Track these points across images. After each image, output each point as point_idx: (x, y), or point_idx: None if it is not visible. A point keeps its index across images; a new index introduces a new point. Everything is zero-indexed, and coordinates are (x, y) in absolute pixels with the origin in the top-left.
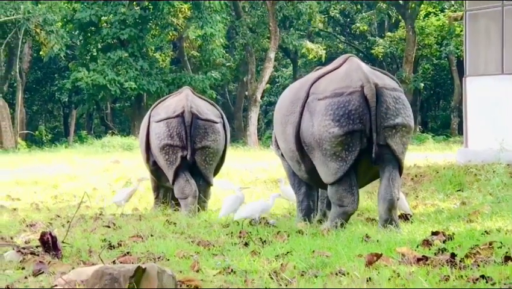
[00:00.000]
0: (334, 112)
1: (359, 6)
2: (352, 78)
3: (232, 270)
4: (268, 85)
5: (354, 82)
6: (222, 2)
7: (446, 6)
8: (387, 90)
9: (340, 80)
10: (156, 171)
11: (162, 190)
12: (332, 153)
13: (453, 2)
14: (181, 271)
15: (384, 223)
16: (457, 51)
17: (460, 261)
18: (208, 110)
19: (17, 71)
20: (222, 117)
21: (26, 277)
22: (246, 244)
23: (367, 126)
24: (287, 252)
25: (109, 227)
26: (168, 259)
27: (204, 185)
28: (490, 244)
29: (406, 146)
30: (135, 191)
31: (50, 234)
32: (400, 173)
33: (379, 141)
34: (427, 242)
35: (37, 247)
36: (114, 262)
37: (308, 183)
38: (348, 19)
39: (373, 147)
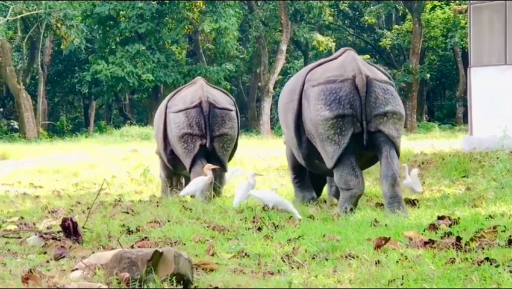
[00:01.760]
0: (326, 97)
1: (367, 0)
2: (345, 68)
3: (246, 254)
4: (280, 76)
5: (347, 72)
6: None
7: None
8: (377, 82)
9: (334, 70)
10: (173, 159)
11: (175, 178)
12: (326, 136)
13: None
14: (196, 255)
15: (390, 201)
16: (462, 43)
17: (465, 244)
18: (223, 99)
19: (39, 64)
20: (235, 105)
21: (48, 261)
22: (259, 229)
23: (357, 112)
24: (299, 236)
25: (127, 213)
26: (184, 244)
27: (220, 171)
28: (494, 227)
29: (400, 131)
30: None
31: (71, 220)
32: (397, 155)
33: (370, 128)
34: (433, 227)
35: (58, 232)
36: (132, 246)
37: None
38: (357, 12)
39: (364, 134)
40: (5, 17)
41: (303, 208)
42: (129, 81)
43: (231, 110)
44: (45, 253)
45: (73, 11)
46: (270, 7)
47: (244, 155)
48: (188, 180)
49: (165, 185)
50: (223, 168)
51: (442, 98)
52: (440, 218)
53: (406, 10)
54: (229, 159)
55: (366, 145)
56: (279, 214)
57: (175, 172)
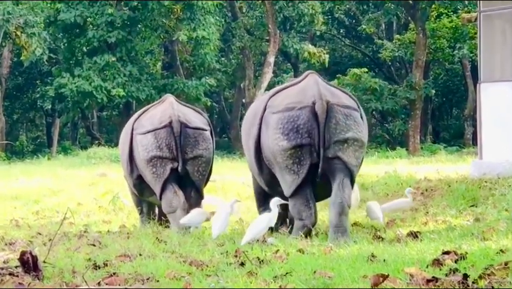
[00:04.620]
0: (284, 126)
1: (365, 7)
2: (305, 94)
3: None
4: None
5: (307, 98)
6: (216, 2)
7: (459, 6)
8: (339, 107)
9: (294, 96)
10: (139, 184)
11: (146, 204)
12: (284, 166)
13: (466, 2)
14: None
15: (334, 229)
16: (471, 55)
17: (473, 282)
18: (196, 118)
19: None
20: (209, 124)
21: None
22: (242, 264)
23: (315, 141)
24: (286, 273)
25: (94, 245)
26: (158, 281)
27: (196, 197)
28: (506, 264)
29: (360, 160)
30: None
31: (31, 253)
32: (352, 184)
33: (328, 154)
34: (437, 262)
35: (16, 267)
36: (99, 283)
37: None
38: (353, 21)
39: (320, 162)
40: None
41: (290, 241)
42: (97, 97)
43: (205, 130)
44: None
45: (34, 17)
46: (256, 14)
47: (226, 180)
48: (160, 209)
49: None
50: (200, 195)
51: (449, 117)
52: (445, 252)
53: (409, 18)
54: (205, 184)
55: (320, 173)
56: (265, 247)
57: (142, 199)
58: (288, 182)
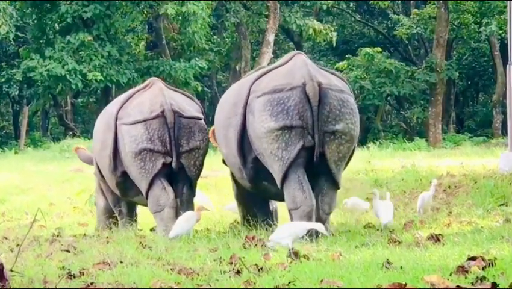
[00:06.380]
0: (272, 108)
1: None
2: (294, 75)
3: None
4: None
5: (296, 79)
6: None
7: None
8: (332, 91)
9: (281, 78)
10: (123, 182)
11: (125, 204)
12: (269, 152)
13: None
14: None
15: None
16: (500, 32)
17: None
18: (189, 105)
19: None
20: (203, 112)
21: None
22: (238, 272)
23: (308, 124)
24: (289, 282)
25: (68, 251)
26: None
27: (188, 194)
28: None
29: (343, 155)
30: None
31: None
32: (336, 186)
33: (319, 147)
34: (462, 269)
35: None
36: None
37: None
38: None
39: (315, 149)
40: None
41: (293, 245)
42: (71, 81)
43: (200, 118)
44: None
45: None
46: None
47: (219, 176)
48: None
49: (103, 215)
50: (193, 192)
51: (474, 103)
52: (471, 258)
53: None
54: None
55: (316, 160)
56: (264, 252)
57: (125, 198)
58: (276, 171)
